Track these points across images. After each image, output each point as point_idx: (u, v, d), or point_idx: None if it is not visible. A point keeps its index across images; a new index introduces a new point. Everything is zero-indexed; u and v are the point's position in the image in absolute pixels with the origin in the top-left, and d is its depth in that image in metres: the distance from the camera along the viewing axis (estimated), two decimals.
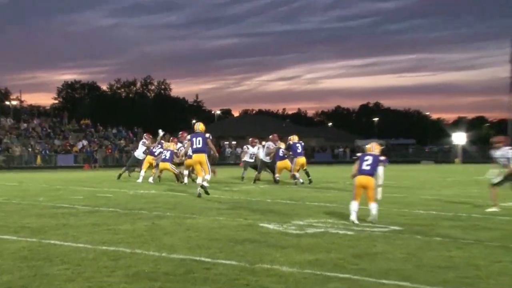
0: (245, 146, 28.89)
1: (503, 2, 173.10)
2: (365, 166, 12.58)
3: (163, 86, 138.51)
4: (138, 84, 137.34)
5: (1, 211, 13.72)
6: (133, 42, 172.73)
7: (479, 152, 75.45)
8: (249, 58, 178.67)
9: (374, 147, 14.57)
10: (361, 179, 12.37)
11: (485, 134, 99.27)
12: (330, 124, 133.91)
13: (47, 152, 52.99)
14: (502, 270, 7.18)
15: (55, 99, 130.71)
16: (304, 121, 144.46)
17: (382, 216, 12.33)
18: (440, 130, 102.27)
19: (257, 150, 26.67)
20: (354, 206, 11.85)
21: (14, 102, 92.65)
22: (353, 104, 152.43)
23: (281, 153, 24.22)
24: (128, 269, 7.13)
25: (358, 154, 13.74)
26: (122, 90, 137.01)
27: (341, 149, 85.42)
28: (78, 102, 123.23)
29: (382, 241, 9.33)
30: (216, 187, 20.94)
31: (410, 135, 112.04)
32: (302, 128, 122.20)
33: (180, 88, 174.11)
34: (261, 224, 11.12)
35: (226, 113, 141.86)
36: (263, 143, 26.61)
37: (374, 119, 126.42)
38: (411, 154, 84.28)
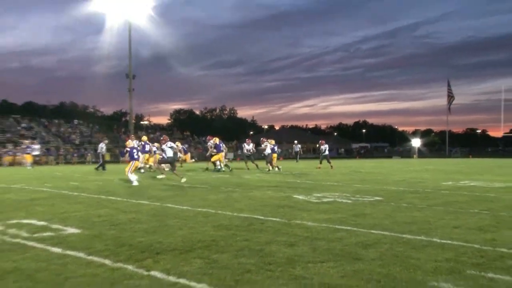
0: (244, 144, 26.08)
1: (442, 59, 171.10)
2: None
3: (232, 111, 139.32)
4: (217, 110, 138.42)
5: (139, 186, 13.95)
6: (215, 84, 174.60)
7: (428, 151, 74.46)
8: (285, 93, 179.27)
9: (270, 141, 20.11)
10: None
11: (432, 140, 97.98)
12: (335, 133, 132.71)
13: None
14: (445, 224, 7.05)
15: (169, 119, 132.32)
16: (319, 132, 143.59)
17: (369, 191, 12.21)
18: (404, 138, 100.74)
19: (264, 147, 24.10)
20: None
21: (145, 122, 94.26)
22: (350, 121, 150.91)
23: (274, 149, 23.51)
24: (214, 222, 7.19)
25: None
26: (208, 114, 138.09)
27: (342, 150, 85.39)
28: (183, 121, 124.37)
29: (369, 206, 9.22)
30: (265, 173, 20.93)
31: (385, 140, 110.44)
32: (317, 136, 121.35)
33: (243, 112, 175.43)
34: (294, 196, 11.06)
35: (271, 127, 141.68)
36: (265, 143, 24.28)
37: (363, 130, 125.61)
38: (386, 152, 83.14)
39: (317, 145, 28.29)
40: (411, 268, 4.58)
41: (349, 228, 6.71)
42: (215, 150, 22.68)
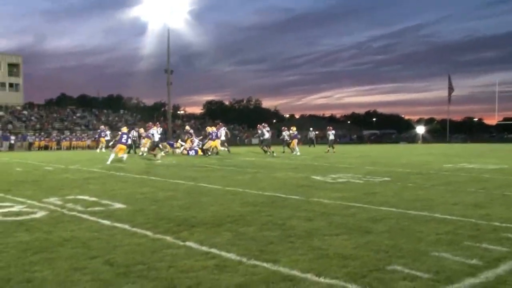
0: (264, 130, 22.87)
1: (442, 56, 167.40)
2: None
3: (257, 102, 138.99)
4: (244, 101, 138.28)
5: (175, 167, 14.11)
6: (242, 79, 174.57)
7: (431, 137, 73.09)
8: (304, 86, 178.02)
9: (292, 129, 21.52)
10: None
11: (434, 127, 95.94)
12: (348, 122, 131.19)
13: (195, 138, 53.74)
14: (445, 201, 6.94)
15: (202, 109, 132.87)
16: (334, 120, 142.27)
17: (378, 172, 12.09)
18: (409, 125, 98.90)
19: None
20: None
21: (181, 112, 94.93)
22: (361, 111, 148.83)
23: (296, 135, 24.65)
24: (241, 199, 7.22)
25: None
26: (236, 104, 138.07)
27: (354, 136, 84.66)
28: (214, 111, 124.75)
29: (379, 186, 9.13)
30: (285, 157, 20.88)
31: (393, 128, 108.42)
32: (333, 124, 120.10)
33: (267, 103, 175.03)
34: (312, 176, 11.02)
35: (292, 116, 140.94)
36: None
37: (373, 119, 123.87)
38: (394, 138, 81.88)
39: (327, 131, 28.09)
40: (415, 240, 4.53)
41: (361, 205, 6.65)
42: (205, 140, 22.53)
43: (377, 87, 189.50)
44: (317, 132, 43.93)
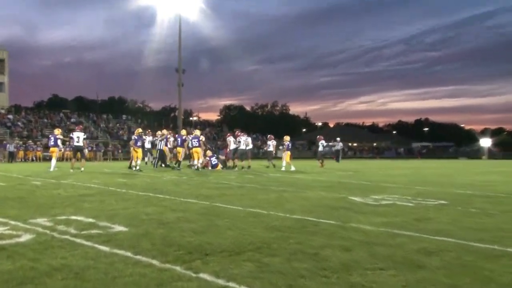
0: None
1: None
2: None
3: (284, 107, 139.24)
4: (269, 106, 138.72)
5: (187, 184, 14.21)
6: (266, 80, 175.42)
7: (499, 151, 71.62)
8: (341, 89, 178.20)
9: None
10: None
11: (503, 139, 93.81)
12: (394, 132, 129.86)
13: (213, 148, 54.24)
14: None
15: (218, 116, 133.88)
16: (376, 130, 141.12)
17: (432, 193, 11.89)
18: (471, 137, 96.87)
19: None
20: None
21: (194, 118, 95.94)
22: (410, 119, 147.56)
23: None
24: (265, 223, 7.16)
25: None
26: (259, 110, 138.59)
27: (401, 149, 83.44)
28: (233, 117, 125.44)
29: (433, 210, 8.94)
30: (319, 172, 20.79)
31: (450, 140, 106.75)
32: (374, 135, 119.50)
33: (296, 108, 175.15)
34: (349, 197, 10.90)
35: (325, 124, 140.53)
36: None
37: (424, 129, 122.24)
38: (451, 152, 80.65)
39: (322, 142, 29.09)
40: (482, 280, 4.36)
41: (410, 233, 6.51)
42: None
43: (429, 90, 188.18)
44: (355, 144, 43.42)
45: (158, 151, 24.65)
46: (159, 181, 15.44)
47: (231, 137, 24.81)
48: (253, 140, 28.87)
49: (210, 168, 23.34)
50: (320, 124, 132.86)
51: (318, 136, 30.03)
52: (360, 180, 16.68)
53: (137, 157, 21.22)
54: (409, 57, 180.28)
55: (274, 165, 24.80)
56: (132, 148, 21.43)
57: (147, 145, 24.79)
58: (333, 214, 8.25)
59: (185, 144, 22.64)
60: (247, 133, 28.32)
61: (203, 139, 23.43)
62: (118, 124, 60.74)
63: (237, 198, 10.58)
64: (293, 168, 23.43)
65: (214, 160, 23.69)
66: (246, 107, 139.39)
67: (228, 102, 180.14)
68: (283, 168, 23.79)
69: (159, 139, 24.77)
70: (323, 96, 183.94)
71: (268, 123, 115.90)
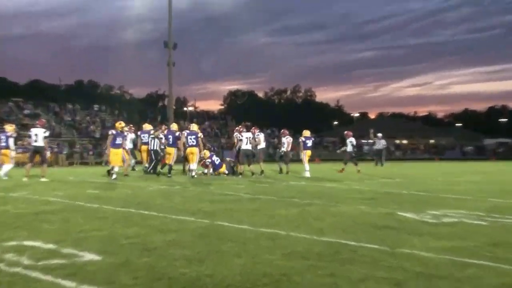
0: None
1: None
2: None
3: (309, 93, 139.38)
4: (288, 92, 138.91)
5: (181, 197, 14.21)
6: (285, 56, 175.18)
7: None
8: (384, 68, 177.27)
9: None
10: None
11: None
12: (458, 124, 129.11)
13: (215, 148, 54.42)
14: None
15: (221, 105, 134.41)
16: (434, 122, 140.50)
17: None
18: None
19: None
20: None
21: (190, 108, 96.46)
22: (480, 106, 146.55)
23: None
24: (284, 248, 7.14)
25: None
26: (275, 97, 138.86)
27: (469, 148, 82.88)
28: (240, 107, 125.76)
29: None
30: (357, 179, 20.73)
31: None
32: (432, 129, 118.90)
33: (324, 95, 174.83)
34: (399, 213, 10.84)
35: (363, 115, 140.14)
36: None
37: (501, 120, 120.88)
38: None
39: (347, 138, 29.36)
40: None
41: (484, 262, 6.46)
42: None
43: (508, 67, 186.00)
44: (404, 142, 43.05)
45: (153, 152, 24.78)
46: (144, 192, 15.47)
47: (243, 132, 24.69)
48: (267, 137, 29.05)
49: (211, 171, 23.45)
50: (356, 114, 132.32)
51: (345, 132, 30.28)
52: (412, 190, 16.60)
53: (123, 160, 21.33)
54: (480, 22, 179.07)
55: (281, 170, 26.29)
56: (109, 149, 21.35)
57: (129, 145, 24.85)
58: (376, 235, 8.21)
59: (180, 142, 22.67)
60: (260, 128, 28.34)
61: (201, 136, 23.43)
62: (88, 117, 61.10)
63: (248, 214, 10.56)
64: (308, 174, 23.92)
65: (217, 160, 23.99)
66: (258, 93, 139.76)
67: (234, 86, 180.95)
68: (307, 174, 23.93)
69: (151, 136, 24.90)
70: (361, 78, 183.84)
71: (287, 114, 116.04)
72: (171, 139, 22.89)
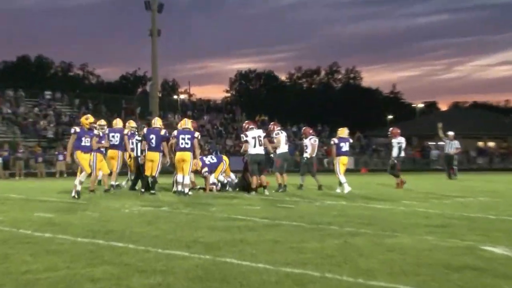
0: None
1: None
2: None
3: (352, 75, 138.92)
4: (323, 73, 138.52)
5: (170, 222, 14.24)
6: (317, 24, 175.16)
7: None
8: (460, 38, 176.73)
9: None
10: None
11: None
12: None
13: (218, 153, 54.03)
14: None
15: (227, 91, 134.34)
16: None
17: None
18: None
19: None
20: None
21: (182, 96, 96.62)
22: None
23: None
24: None
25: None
26: (304, 80, 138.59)
27: None
28: (253, 94, 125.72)
29: None
30: (422, 198, 20.70)
31: None
32: None
33: (373, 77, 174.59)
34: (484, 247, 10.75)
35: (431, 106, 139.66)
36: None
37: None
38: None
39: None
40: None
41: None
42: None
43: None
44: (491, 144, 42.84)
45: (134, 159, 24.70)
46: (116, 216, 15.52)
47: (249, 131, 24.38)
48: (290, 137, 28.87)
49: (219, 187, 23.55)
50: (421, 105, 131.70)
51: (391, 130, 29.68)
52: (503, 214, 16.53)
53: (86, 170, 21.24)
54: None
55: (301, 185, 26.98)
56: (70, 154, 21.27)
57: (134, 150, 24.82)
58: (451, 279, 8.19)
59: (167, 145, 22.57)
60: (281, 125, 28.31)
61: (199, 137, 23.35)
62: (36, 108, 61.21)
63: (265, 247, 10.59)
64: (346, 188, 24.10)
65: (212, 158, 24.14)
66: (280, 74, 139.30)
67: (244, 65, 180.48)
68: (345, 188, 24.13)
69: (138, 139, 24.73)
70: (424, 53, 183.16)
71: (320, 104, 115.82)
72: (153, 141, 22.50)
